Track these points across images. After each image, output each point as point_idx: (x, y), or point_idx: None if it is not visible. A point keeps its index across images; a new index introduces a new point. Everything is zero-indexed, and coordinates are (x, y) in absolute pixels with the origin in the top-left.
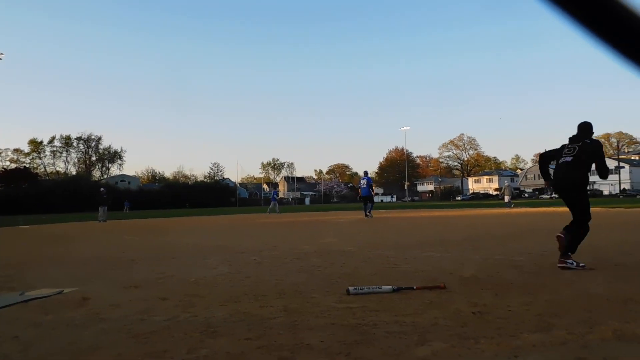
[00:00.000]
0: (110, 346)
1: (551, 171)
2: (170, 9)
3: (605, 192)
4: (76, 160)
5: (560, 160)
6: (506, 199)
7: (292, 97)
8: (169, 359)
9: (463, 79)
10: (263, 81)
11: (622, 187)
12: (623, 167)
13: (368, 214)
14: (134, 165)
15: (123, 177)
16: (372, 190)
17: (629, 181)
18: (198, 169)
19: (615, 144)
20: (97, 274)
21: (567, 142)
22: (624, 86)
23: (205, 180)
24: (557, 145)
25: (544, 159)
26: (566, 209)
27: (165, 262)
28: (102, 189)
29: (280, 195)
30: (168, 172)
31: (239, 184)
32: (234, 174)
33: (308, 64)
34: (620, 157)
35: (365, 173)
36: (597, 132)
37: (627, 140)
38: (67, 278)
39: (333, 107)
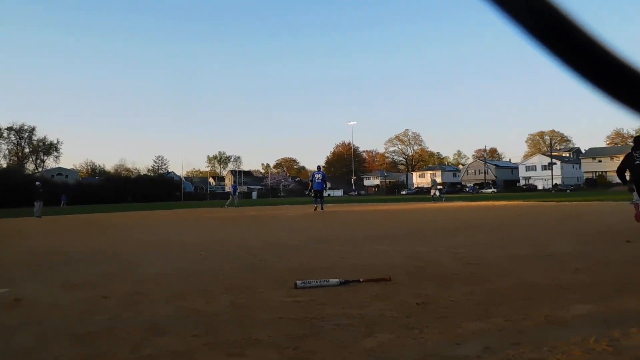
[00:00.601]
0: (46, 350)
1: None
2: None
3: (540, 187)
4: (7, 152)
5: (636, 162)
6: (432, 192)
7: (239, 91)
8: (111, 359)
9: (408, 74)
10: (209, 74)
11: (554, 182)
12: (555, 164)
13: (320, 208)
14: (72, 158)
15: (60, 171)
16: (325, 185)
17: (560, 177)
18: (141, 162)
19: (549, 141)
20: (32, 273)
21: (628, 152)
22: (557, 88)
23: (149, 173)
24: (493, 142)
25: (621, 170)
26: (501, 202)
27: (107, 259)
28: (37, 183)
29: (226, 189)
30: (109, 166)
31: (184, 177)
32: (179, 167)
33: (256, 58)
34: (552, 154)
35: (319, 167)
36: (532, 130)
37: (558, 138)
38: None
39: (281, 101)
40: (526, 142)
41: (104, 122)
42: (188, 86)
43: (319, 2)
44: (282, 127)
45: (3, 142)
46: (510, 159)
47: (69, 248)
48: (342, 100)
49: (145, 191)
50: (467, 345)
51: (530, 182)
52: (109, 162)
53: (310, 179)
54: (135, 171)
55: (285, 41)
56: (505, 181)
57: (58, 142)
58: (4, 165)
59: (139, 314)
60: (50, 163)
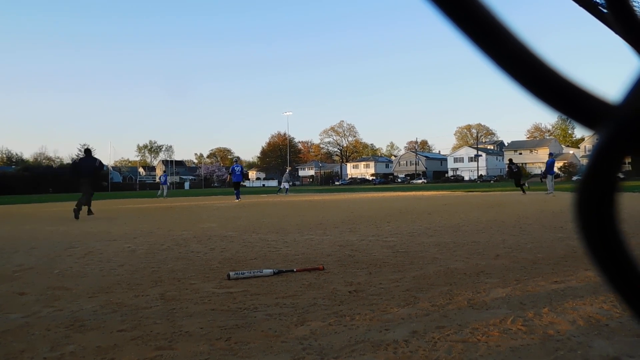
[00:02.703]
0: None
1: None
2: None
3: (466, 178)
4: None
5: None
6: (283, 185)
7: (171, 78)
8: (27, 359)
9: (343, 66)
10: (139, 59)
11: (479, 174)
12: (480, 156)
13: (238, 197)
14: None
15: None
16: (244, 177)
17: (485, 168)
18: (64, 151)
19: (475, 134)
20: None
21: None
22: (484, 84)
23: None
24: (424, 134)
25: None
26: (430, 192)
27: (23, 253)
28: None
29: (157, 179)
30: (28, 154)
31: (112, 167)
32: (106, 156)
33: (189, 42)
34: (478, 146)
35: (236, 160)
36: (460, 124)
37: (484, 132)
38: None
39: (215, 91)
40: (455, 134)
41: (22, 106)
42: (118, 71)
43: None
44: (216, 116)
45: None
46: (439, 151)
47: None
48: (279, 90)
49: (69, 181)
50: (395, 330)
51: (458, 173)
52: (27, 151)
53: (230, 171)
54: (58, 160)
55: (218, 27)
56: (435, 172)
57: None
58: None
59: (59, 310)
60: None
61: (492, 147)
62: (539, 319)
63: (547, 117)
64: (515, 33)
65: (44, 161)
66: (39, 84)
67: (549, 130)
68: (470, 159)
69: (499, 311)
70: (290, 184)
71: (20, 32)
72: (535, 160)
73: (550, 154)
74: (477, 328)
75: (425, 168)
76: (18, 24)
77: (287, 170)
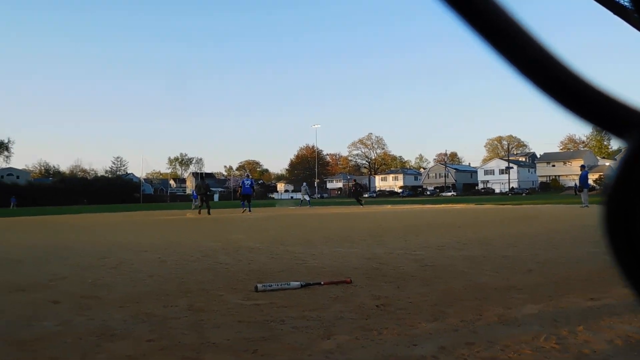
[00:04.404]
0: None
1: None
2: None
3: (497, 190)
4: None
5: None
6: (303, 197)
7: (201, 92)
8: None
9: (373, 78)
10: (171, 74)
11: (510, 186)
12: (512, 168)
13: (248, 210)
14: (24, 158)
15: (10, 171)
16: (254, 190)
17: (517, 180)
18: (98, 163)
19: (506, 146)
20: None
21: None
22: (515, 95)
23: (107, 175)
24: (454, 146)
25: None
26: (460, 205)
27: (58, 263)
28: None
29: (188, 191)
30: (64, 166)
31: (144, 179)
32: (139, 169)
33: (217, 58)
34: (510, 158)
35: (248, 176)
36: (491, 135)
37: (515, 143)
38: None
39: (245, 104)
40: (485, 146)
41: (59, 121)
42: (149, 86)
43: (281, 5)
44: (246, 129)
45: None
46: (469, 163)
47: (17, 251)
48: (307, 104)
49: (103, 193)
50: (423, 345)
51: (489, 185)
52: (64, 163)
53: (239, 184)
54: (92, 172)
55: (247, 44)
56: (465, 184)
57: (9, 141)
58: None
59: (91, 319)
60: None
61: (523, 159)
62: (573, 337)
63: (581, 128)
64: (539, 40)
65: (79, 173)
66: (75, 99)
67: (583, 142)
68: (501, 171)
69: (531, 328)
70: (311, 196)
71: (54, 51)
72: (569, 172)
73: (582, 167)
74: (507, 345)
75: (455, 180)
76: (50, 42)
77: (304, 183)
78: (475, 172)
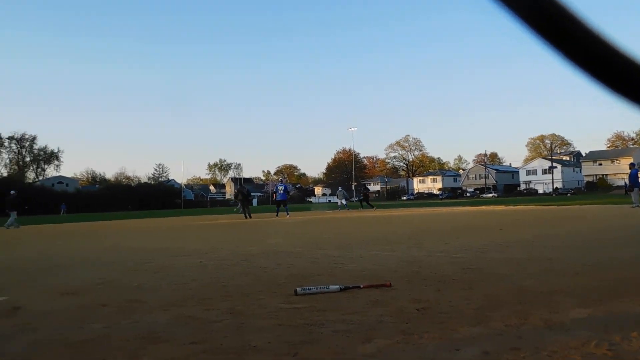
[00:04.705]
0: (41, 357)
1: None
2: (104, 8)
3: (540, 191)
4: (7, 161)
5: None
6: (341, 201)
7: (239, 98)
8: None
9: (409, 79)
10: (209, 81)
11: (554, 186)
12: (556, 167)
13: (286, 214)
14: (72, 166)
15: (60, 179)
16: (288, 195)
17: (561, 180)
18: (141, 170)
19: (549, 145)
20: (29, 281)
21: None
22: (557, 92)
23: (149, 181)
24: (494, 147)
25: None
26: (501, 207)
27: (105, 267)
28: (12, 192)
29: (227, 196)
30: (109, 174)
31: (185, 185)
32: (180, 175)
33: (255, 63)
34: (553, 158)
35: (281, 180)
36: (532, 134)
37: (559, 142)
38: None
39: (282, 109)
40: (526, 146)
41: (105, 130)
42: (188, 93)
43: (317, 7)
44: (283, 134)
45: (4, 151)
46: (510, 164)
47: (67, 256)
48: (343, 107)
49: (146, 199)
50: (466, 350)
51: (531, 186)
52: (109, 171)
53: (274, 190)
54: (136, 179)
55: (284, 47)
56: (506, 185)
57: (59, 150)
58: (5, 175)
59: (136, 321)
60: (50, 172)
61: (568, 158)
62: (627, 343)
63: (630, 124)
64: (588, 22)
65: (123, 180)
66: (117, 110)
67: (632, 139)
68: (545, 171)
69: (580, 333)
70: (349, 199)
71: (100, 68)
72: (617, 171)
73: (632, 165)
74: (555, 351)
75: (496, 181)
76: (96, 60)
77: (340, 187)
78: (517, 172)
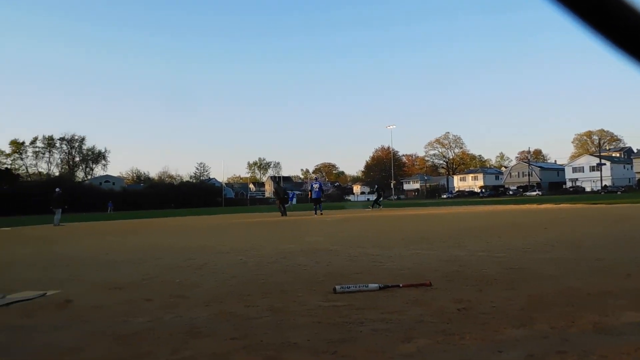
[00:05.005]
0: (92, 349)
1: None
2: (157, 5)
3: (587, 189)
4: (59, 161)
5: None
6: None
7: (278, 96)
8: None
9: (448, 76)
10: (250, 80)
11: (603, 184)
12: (604, 164)
13: (320, 213)
14: (118, 165)
15: (107, 178)
16: (323, 193)
17: (610, 177)
18: (183, 169)
19: (597, 141)
20: (80, 275)
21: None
22: (606, 85)
23: (191, 180)
24: (538, 143)
25: None
26: (545, 205)
27: (150, 263)
28: (57, 190)
29: (267, 195)
30: (153, 173)
31: (225, 183)
32: (220, 173)
33: (295, 63)
34: (601, 154)
35: (316, 178)
36: (579, 130)
37: (608, 138)
38: (49, 280)
39: (319, 107)
40: (573, 142)
41: (149, 130)
42: (229, 94)
43: (356, 4)
44: (322, 132)
45: (56, 151)
46: (555, 161)
47: (114, 252)
48: (382, 104)
49: (188, 197)
50: (509, 352)
51: (578, 184)
52: (153, 170)
53: (309, 188)
54: (178, 178)
55: (324, 45)
56: (551, 183)
57: (106, 150)
58: (57, 174)
59: (179, 316)
60: (98, 171)
61: (618, 155)
62: None
63: None
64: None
65: (166, 179)
66: (162, 108)
67: None
68: (592, 168)
69: (633, 338)
70: (386, 198)
71: (143, 72)
72: None
73: None
74: (605, 356)
75: (540, 179)
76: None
77: (376, 186)
78: (562, 169)
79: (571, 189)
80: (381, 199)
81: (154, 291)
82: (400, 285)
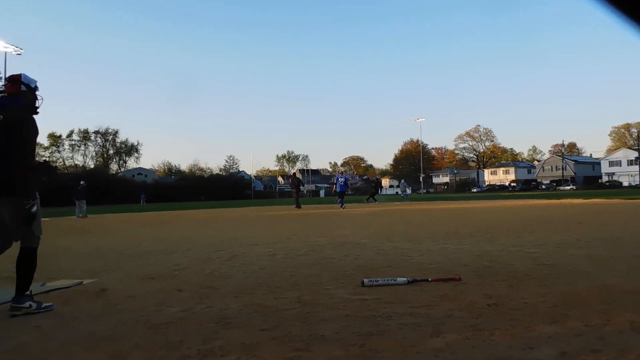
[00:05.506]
0: (127, 337)
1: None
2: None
3: (625, 184)
4: (94, 153)
5: None
6: (403, 193)
7: (307, 90)
8: (184, 349)
9: (479, 67)
10: (279, 73)
11: None
12: None
13: (342, 206)
14: (150, 158)
15: (140, 170)
16: (347, 187)
17: None
18: (213, 162)
19: (636, 134)
20: (114, 265)
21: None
22: None
23: (221, 173)
24: (572, 136)
25: None
26: (580, 200)
27: (181, 254)
28: (82, 182)
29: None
30: (184, 165)
31: (254, 176)
32: (249, 166)
33: (324, 56)
34: None
35: (342, 173)
36: (616, 123)
37: None
38: (85, 270)
39: (348, 100)
40: (609, 135)
41: (180, 124)
42: (258, 87)
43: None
44: (350, 125)
45: (91, 144)
46: (591, 154)
47: (147, 243)
48: (411, 97)
49: (218, 190)
50: (541, 349)
51: (614, 178)
52: (184, 162)
53: (334, 181)
54: (208, 171)
55: (351, 38)
56: (586, 177)
57: (138, 143)
58: (92, 166)
59: (210, 307)
60: (131, 163)
61: None
62: None
63: None
64: None
65: (197, 172)
66: (192, 101)
67: None
68: (630, 162)
69: None
70: (407, 193)
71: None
72: None
73: None
74: None
75: (574, 173)
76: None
77: (402, 180)
78: (598, 163)
79: (607, 184)
80: (376, 195)
81: (185, 282)
82: (429, 279)
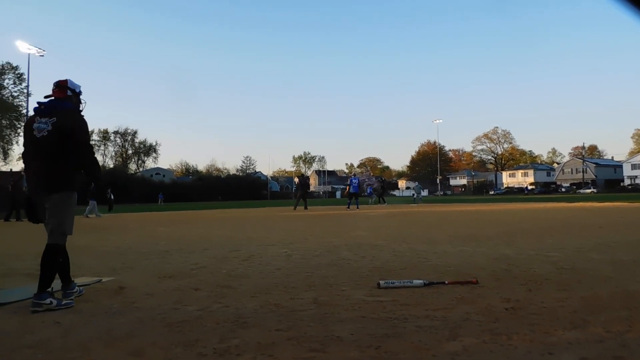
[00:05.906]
0: (144, 334)
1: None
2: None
3: None
4: (113, 153)
5: None
6: (417, 195)
7: (323, 91)
8: (200, 347)
9: (497, 68)
10: (297, 73)
11: None
12: None
13: (356, 207)
14: (168, 158)
15: (158, 170)
16: (361, 189)
17: None
18: (230, 163)
19: None
20: (133, 264)
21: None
22: None
23: (238, 173)
24: (593, 139)
25: None
26: (601, 203)
27: (198, 254)
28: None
29: (311, 188)
30: (201, 166)
31: (271, 177)
32: (266, 167)
33: (341, 57)
34: None
35: (355, 174)
36: (639, 125)
37: None
38: (104, 267)
39: (366, 102)
40: (632, 138)
41: (197, 124)
42: (275, 87)
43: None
44: (367, 126)
45: (110, 144)
46: (612, 157)
47: (164, 242)
48: (428, 98)
49: (234, 190)
50: (561, 355)
51: (637, 181)
52: (201, 163)
53: (348, 183)
54: (225, 171)
55: (370, 38)
56: (607, 181)
57: (156, 143)
58: (111, 166)
59: (226, 306)
60: (149, 163)
61: None
62: None
63: None
64: None
65: (214, 172)
66: (208, 102)
67: None
68: None
69: None
70: (418, 194)
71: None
72: None
73: None
74: None
75: (595, 176)
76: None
77: (416, 182)
78: (620, 166)
79: (629, 187)
80: (382, 196)
81: (202, 281)
82: (446, 282)
